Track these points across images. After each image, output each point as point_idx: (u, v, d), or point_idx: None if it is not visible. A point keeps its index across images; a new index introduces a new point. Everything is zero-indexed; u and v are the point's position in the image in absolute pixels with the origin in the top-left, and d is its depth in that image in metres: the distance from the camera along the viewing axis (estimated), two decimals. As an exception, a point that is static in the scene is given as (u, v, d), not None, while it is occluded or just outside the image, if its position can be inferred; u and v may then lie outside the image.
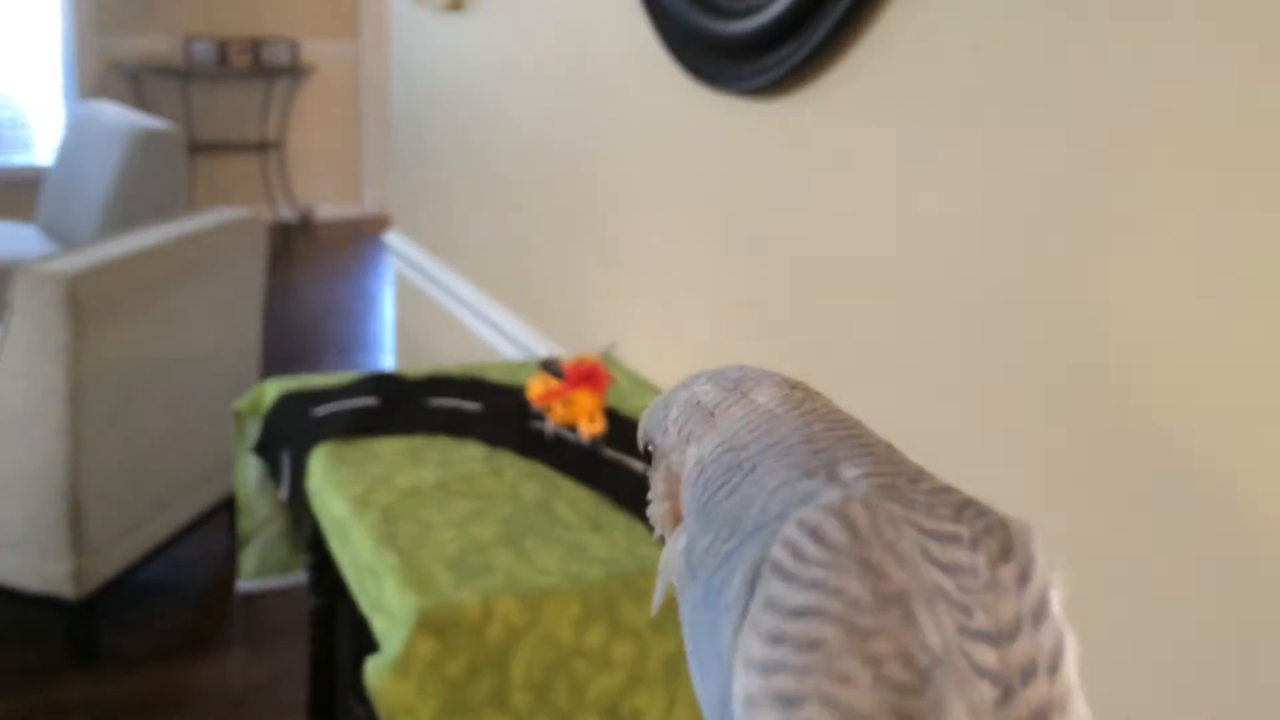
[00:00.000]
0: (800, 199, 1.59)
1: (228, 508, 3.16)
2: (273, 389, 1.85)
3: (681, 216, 1.86)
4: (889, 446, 0.55)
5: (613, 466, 1.62)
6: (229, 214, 3.15)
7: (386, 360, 5.11)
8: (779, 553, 0.46)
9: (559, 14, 2.18)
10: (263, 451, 1.83)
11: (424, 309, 2.98)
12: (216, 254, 3.06)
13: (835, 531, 0.45)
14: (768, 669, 0.43)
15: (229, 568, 3.26)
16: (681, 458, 0.59)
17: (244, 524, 1.93)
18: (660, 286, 1.93)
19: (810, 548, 0.45)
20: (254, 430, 1.89)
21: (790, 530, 0.46)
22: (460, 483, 1.56)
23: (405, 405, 1.79)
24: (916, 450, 0.53)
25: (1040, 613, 0.47)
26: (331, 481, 1.55)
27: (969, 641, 0.45)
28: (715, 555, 0.50)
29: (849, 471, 0.50)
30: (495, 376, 1.95)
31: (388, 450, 1.65)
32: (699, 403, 0.58)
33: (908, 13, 1.37)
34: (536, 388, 1.73)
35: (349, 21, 6.85)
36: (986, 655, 0.45)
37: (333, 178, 7.10)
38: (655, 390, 1.88)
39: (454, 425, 1.74)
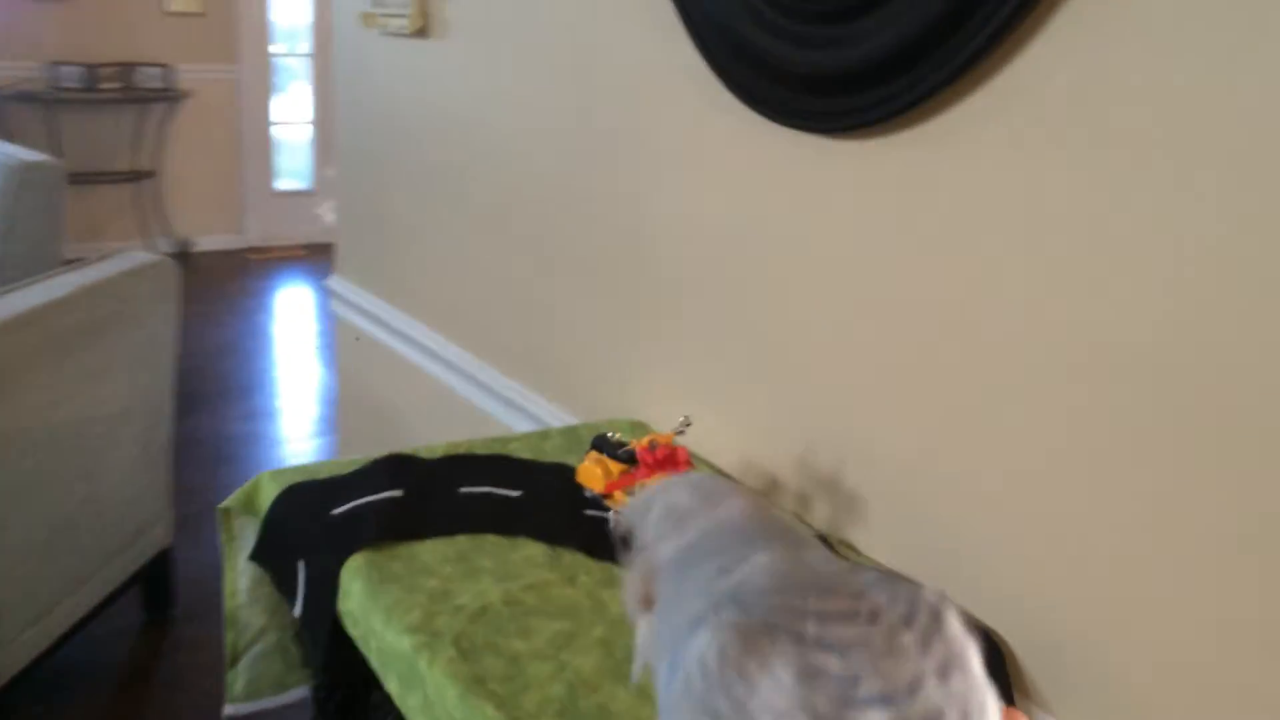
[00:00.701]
0: (897, 253, 1.40)
1: (140, 579, 2.86)
2: (270, 483, 1.57)
3: (740, 269, 1.65)
4: (815, 542, 0.66)
5: (698, 564, 1.40)
6: (139, 259, 2.82)
7: (294, 401, 4.78)
8: (677, 687, 0.57)
9: (565, 45, 1.95)
10: (265, 559, 1.55)
11: (380, 363, 2.70)
12: (128, 304, 2.73)
13: (712, 660, 0.56)
14: None
15: (145, 645, 2.94)
16: (655, 554, 0.70)
17: (233, 639, 1.64)
18: (714, 351, 1.72)
19: (696, 683, 0.56)
20: (247, 532, 1.61)
21: (683, 669, 0.57)
22: (533, 596, 1.32)
23: (435, 496, 1.54)
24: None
25: (948, 668, 0.55)
26: (380, 605, 1.29)
27: (854, 709, 0.52)
28: (663, 649, 0.61)
29: (756, 560, 0.60)
30: (521, 452, 1.71)
31: (432, 557, 1.40)
32: (674, 508, 0.69)
33: (1051, 50, 1.19)
34: (594, 473, 1.49)
35: (227, 44, 6.43)
36: (876, 715, 0.52)
37: (212, 207, 6.67)
38: (713, 468, 1.66)
39: (501, 520, 1.49)
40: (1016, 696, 1.30)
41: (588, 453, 1.54)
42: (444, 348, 2.39)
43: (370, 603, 1.31)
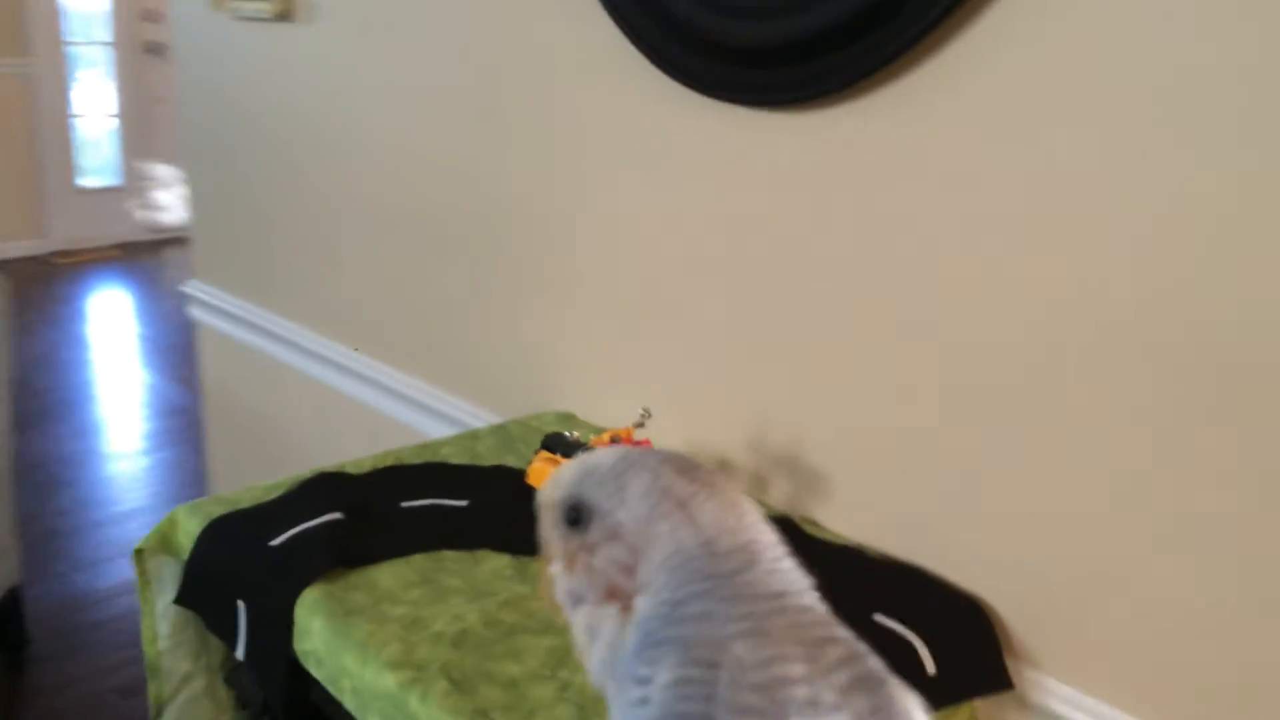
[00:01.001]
0: (847, 222, 1.37)
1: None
2: (188, 518, 1.44)
3: (673, 248, 1.59)
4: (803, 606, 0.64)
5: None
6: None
7: (123, 414, 4.51)
8: None
9: (458, 24, 1.84)
10: (193, 601, 1.42)
11: (254, 371, 2.53)
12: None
13: None
14: None
15: (2, 691, 2.72)
16: (648, 532, 0.64)
17: (157, 690, 1.50)
18: (647, 335, 1.66)
19: None
20: (165, 573, 1.47)
21: None
22: (511, 613, 1.25)
23: (378, 515, 1.44)
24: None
25: None
26: (351, 642, 1.19)
27: None
28: (664, 708, 0.60)
29: (747, 658, 0.60)
30: (455, 457, 1.62)
31: (392, 581, 1.30)
32: (667, 488, 0.64)
33: (1018, 7, 1.17)
34: (549, 475, 1.42)
35: (16, 35, 5.95)
36: None
37: (10, 211, 6.19)
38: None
39: (455, 533, 1.40)
40: (1006, 658, 1.30)
41: (537, 452, 1.47)
42: (330, 350, 2.26)
43: (338, 640, 1.21)
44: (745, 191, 1.47)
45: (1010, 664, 1.30)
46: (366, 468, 1.57)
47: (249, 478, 2.63)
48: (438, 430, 2.00)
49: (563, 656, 1.17)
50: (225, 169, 2.51)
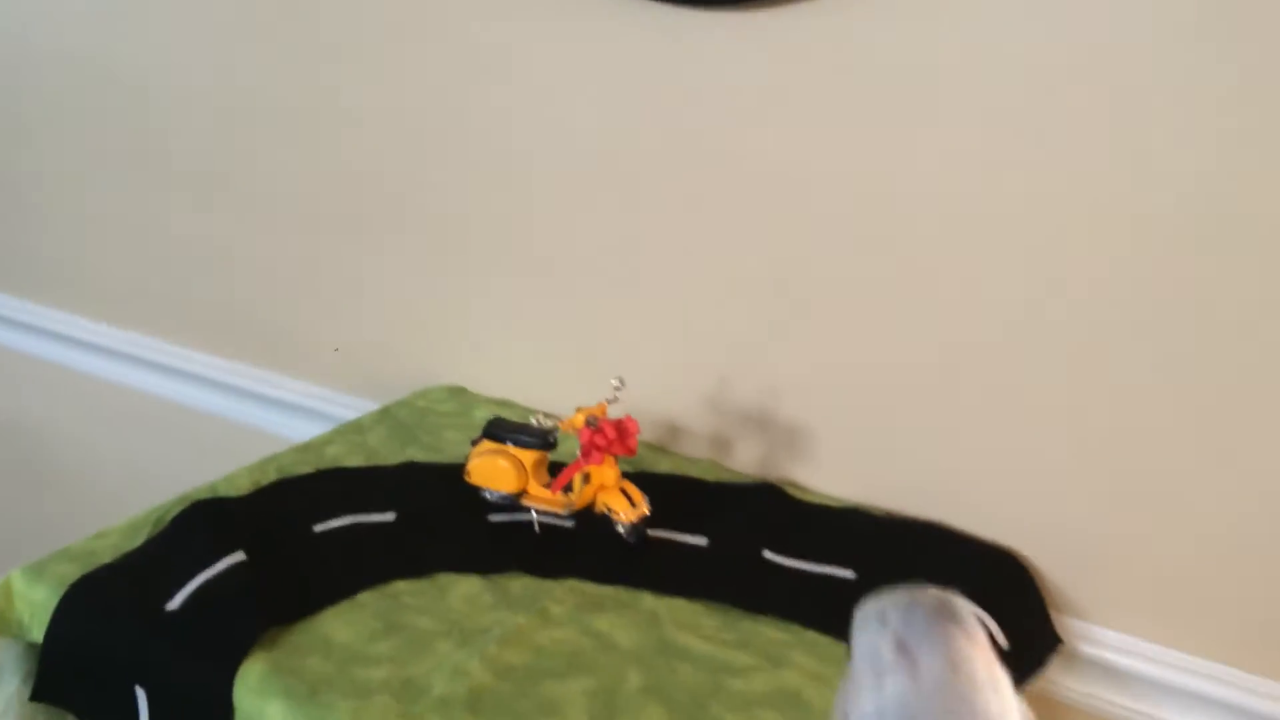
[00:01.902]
0: (805, 142, 1.18)
1: None
2: (31, 585, 1.09)
3: (574, 184, 1.35)
4: None
5: (668, 554, 1.14)
6: None
7: None
8: None
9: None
10: (60, 694, 1.07)
11: (12, 377, 2.07)
12: None
13: None
14: None
15: None
16: (858, 700, 0.64)
17: (3, 808, 1.15)
18: (556, 285, 1.41)
19: None
20: (5, 659, 1.12)
21: None
22: (518, 653, 1.00)
23: (290, 548, 1.14)
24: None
25: None
26: (334, 726, 0.91)
27: None
28: None
29: None
30: (349, 459, 1.33)
31: (348, 634, 1.02)
32: (878, 654, 0.64)
33: None
34: (499, 469, 1.16)
35: None
36: None
37: None
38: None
39: (397, 558, 1.13)
40: (1051, 612, 1.18)
41: (477, 442, 1.20)
42: (120, 341, 1.86)
43: (315, 727, 0.92)
44: (679, 106, 1.25)
45: (1054, 617, 1.18)
46: (245, 486, 1.25)
47: (11, 509, 2.18)
48: (285, 425, 1.68)
49: (608, 701, 0.95)
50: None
